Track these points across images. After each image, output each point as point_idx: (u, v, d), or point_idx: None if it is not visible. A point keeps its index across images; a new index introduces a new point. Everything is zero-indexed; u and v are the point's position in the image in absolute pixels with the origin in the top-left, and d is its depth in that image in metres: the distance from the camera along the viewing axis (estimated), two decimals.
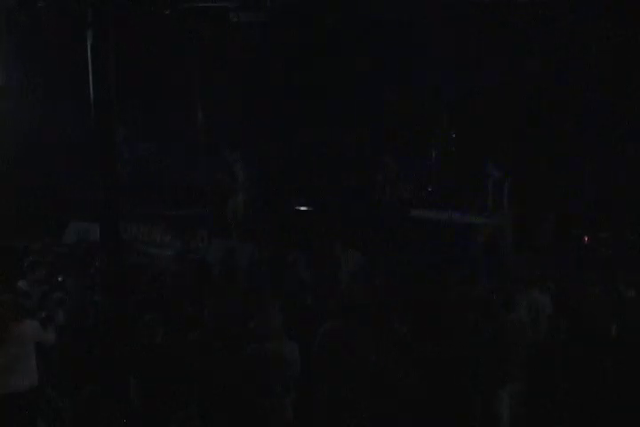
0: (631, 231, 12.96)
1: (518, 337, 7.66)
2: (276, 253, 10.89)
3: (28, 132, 14.17)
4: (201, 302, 8.46)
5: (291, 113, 15.10)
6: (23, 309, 8.13)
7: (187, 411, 7.30)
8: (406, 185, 13.76)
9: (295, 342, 7.25)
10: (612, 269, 10.01)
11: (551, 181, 12.93)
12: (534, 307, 8.32)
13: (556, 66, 12.87)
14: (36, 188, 14.41)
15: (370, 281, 9.69)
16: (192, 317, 8.19)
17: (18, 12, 12.92)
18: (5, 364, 7.32)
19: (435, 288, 8.75)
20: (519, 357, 7.64)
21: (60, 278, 9.14)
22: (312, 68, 14.90)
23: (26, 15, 13.03)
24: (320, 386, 7.28)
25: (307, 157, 14.88)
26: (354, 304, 8.09)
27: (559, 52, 12.85)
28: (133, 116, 13.87)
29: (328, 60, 14.71)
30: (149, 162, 15.34)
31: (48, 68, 13.91)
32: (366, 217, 13.34)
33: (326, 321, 7.54)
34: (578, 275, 9.33)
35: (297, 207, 14.01)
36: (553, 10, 12.25)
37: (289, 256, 9.95)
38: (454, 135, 14.12)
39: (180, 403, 7.26)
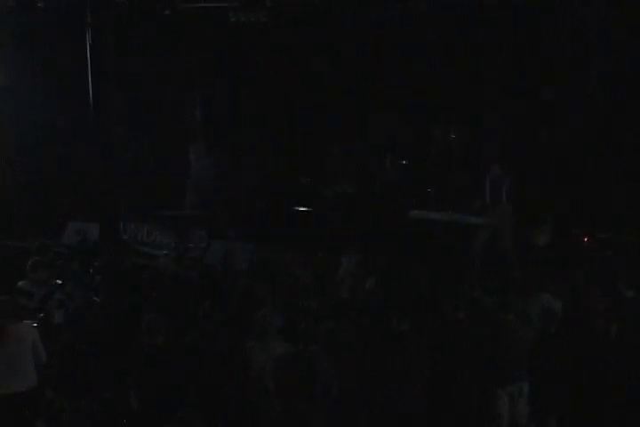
0: (631, 232, 12.94)
1: (517, 337, 7.66)
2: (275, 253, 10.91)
3: (29, 132, 14.18)
4: (200, 303, 8.46)
5: (291, 112, 15.11)
6: (25, 309, 8.13)
7: (187, 411, 7.30)
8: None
9: (294, 342, 7.26)
10: (612, 269, 10.01)
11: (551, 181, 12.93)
12: (544, 312, 8.26)
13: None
14: (36, 188, 14.41)
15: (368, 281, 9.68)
16: (192, 317, 8.19)
17: (17, 12, 12.92)
18: (4, 364, 7.32)
19: (434, 289, 8.75)
20: (519, 357, 7.64)
21: (59, 282, 9.13)
22: (312, 67, 14.90)
23: (26, 15, 13.03)
24: (318, 386, 7.28)
25: (306, 155, 14.88)
26: (352, 304, 8.12)
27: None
28: (133, 116, 13.85)
29: (329, 59, 14.72)
30: (149, 161, 15.34)
31: (48, 68, 13.90)
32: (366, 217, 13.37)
33: (325, 321, 7.56)
34: (577, 275, 9.30)
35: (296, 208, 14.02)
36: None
37: (287, 256, 9.94)
38: (454, 135, 14.10)
39: (180, 403, 7.26)
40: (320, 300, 8.63)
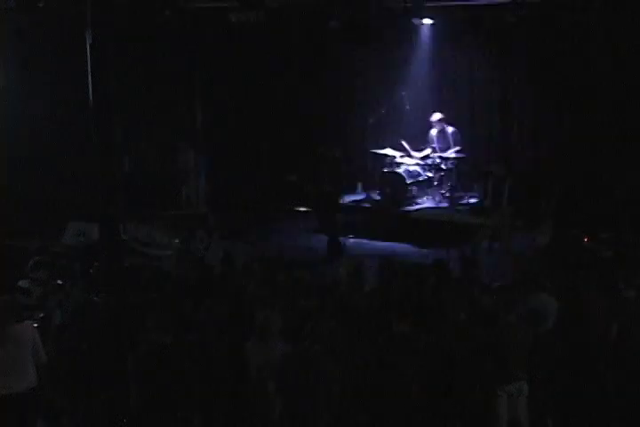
0: (631, 232, 12.95)
1: (517, 338, 7.66)
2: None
3: (28, 132, 14.18)
4: (201, 303, 8.46)
5: (290, 112, 15.14)
6: (23, 308, 8.13)
7: (187, 411, 7.30)
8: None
9: (293, 342, 7.26)
10: (612, 269, 10.01)
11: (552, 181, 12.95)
12: (540, 311, 8.26)
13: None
14: (36, 188, 14.41)
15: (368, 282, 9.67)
16: (191, 317, 8.19)
17: (17, 12, 12.92)
18: (4, 365, 7.31)
19: (434, 289, 8.75)
20: (519, 357, 7.64)
21: (59, 282, 9.13)
22: (312, 67, 14.93)
23: (26, 15, 13.04)
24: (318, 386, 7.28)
25: (307, 155, 14.91)
26: (352, 305, 8.12)
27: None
28: (133, 116, 13.87)
29: (329, 59, 14.74)
30: (149, 162, 15.36)
31: (48, 68, 13.90)
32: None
33: (325, 322, 7.56)
34: (577, 275, 9.31)
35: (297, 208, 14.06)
36: None
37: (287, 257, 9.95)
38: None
39: (180, 403, 7.26)
40: (320, 300, 8.64)
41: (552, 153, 13.41)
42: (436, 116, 13.84)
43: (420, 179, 13.78)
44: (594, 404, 7.73)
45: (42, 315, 8.51)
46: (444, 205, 13.50)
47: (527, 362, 7.67)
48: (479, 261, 11.27)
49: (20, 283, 9.00)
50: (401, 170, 13.69)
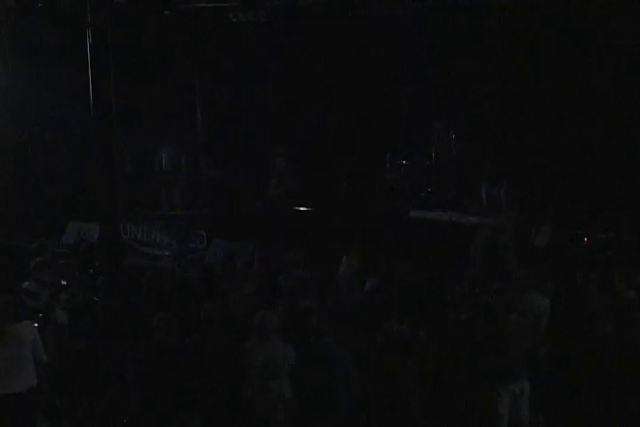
0: (631, 232, 12.94)
1: (518, 338, 7.66)
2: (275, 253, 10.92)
3: (29, 132, 14.20)
4: (201, 303, 8.47)
5: (290, 112, 15.12)
6: (33, 311, 8.13)
7: (187, 411, 7.31)
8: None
9: (293, 342, 7.27)
10: (612, 269, 10.00)
11: (551, 181, 12.94)
12: (532, 309, 8.28)
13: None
14: (36, 188, 14.42)
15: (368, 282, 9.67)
16: (191, 317, 8.19)
17: (17, 12, 12.94)
18: (3, 365, 7.31)
19: (434, 289, 8.75)
20: (519, 357, 7.65)
21: (64, 282, 9.11)
22: (312, 67, 14.90)
23: (25, 15, 13.05)
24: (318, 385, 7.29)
25: (309, 155, 14.90)
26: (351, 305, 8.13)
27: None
28: (133, 116, 13.86)
29: (328, 59, 14.72)
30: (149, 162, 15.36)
31: (48, 68, 13.91)
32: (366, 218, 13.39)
33: (325, 322, 7.56)
34: (577, 276, 9.30)
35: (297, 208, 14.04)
36: None
37: (287, 256, 9.93)
38: (454, 135, 14.09)
39: (180, 403, 7.27)
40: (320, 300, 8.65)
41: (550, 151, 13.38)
42: None
43: None
44: (593, 404, 7.74)
45: (41, 315, 8.50)
46: None
47: (528, 362, 7.68)
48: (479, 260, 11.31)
49: (27, 286, 8.92)
50: None
